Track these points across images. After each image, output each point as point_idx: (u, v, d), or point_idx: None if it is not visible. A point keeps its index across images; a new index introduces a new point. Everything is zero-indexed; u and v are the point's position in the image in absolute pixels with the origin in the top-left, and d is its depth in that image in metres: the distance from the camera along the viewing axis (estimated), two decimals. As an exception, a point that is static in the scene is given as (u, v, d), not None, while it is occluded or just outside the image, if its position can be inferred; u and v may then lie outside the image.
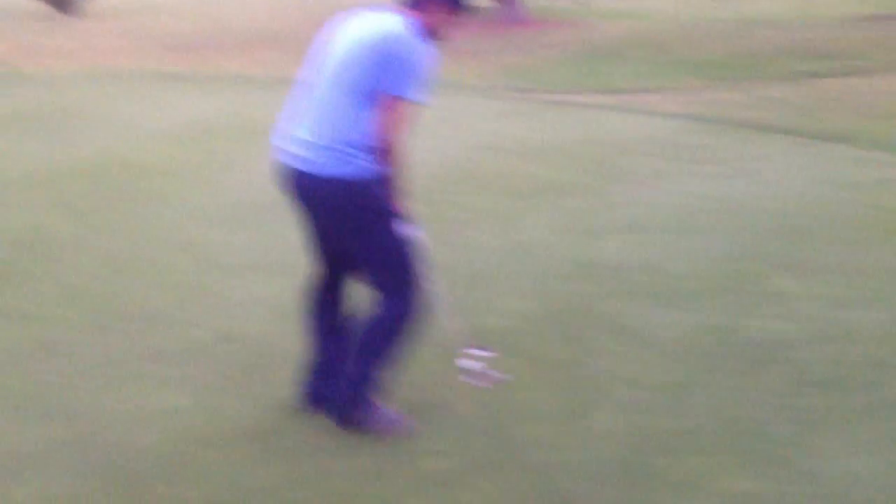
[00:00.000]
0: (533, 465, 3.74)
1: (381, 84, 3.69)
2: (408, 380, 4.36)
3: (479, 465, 3.75)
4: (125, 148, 9.21)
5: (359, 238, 3.88)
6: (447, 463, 3.77)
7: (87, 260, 6.11)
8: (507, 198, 7.38)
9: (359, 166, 3.73)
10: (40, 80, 14.54)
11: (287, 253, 6.06)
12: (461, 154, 8.78)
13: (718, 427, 3.99)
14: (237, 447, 3.91)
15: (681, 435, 3.93)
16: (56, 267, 6.00)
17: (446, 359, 4.47)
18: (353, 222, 3.84)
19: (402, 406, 4.12)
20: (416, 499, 3.58)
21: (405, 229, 3.89)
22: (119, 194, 7.61)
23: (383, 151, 3.70)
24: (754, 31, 18.27)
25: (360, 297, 4.11)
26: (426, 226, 6.48)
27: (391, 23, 3.83)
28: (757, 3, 22.29)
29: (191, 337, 4.96)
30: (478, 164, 8.46)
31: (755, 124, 10.61)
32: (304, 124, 3.86)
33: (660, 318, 5.06)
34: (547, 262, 5.92)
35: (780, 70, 14.92)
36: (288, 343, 4.84)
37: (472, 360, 4.41)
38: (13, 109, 11.56)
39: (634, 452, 3.81)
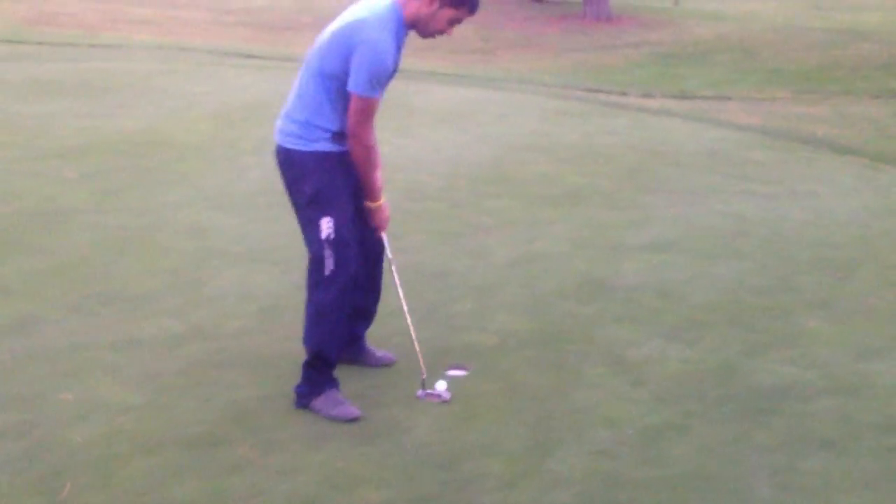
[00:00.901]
0: (476, 507, 3.40)
1: (339, 73, 3.76)
2: (371, 397, 4.11)
3: (419, 499, 3.43)
4: (169, 125, 9.10)
5: (296, 214, 4.01)
6: (386, 494, 3.45)
7: (87, 237, 5.96)
8: (535, 204, 7.00)
9: (311, 144, 3.85)
10: (114, 48, 14.65)
11: (292, 245, 5.84)
12: (500, 154, 8.44)
13: (695, 483, 3.58)
14: (172, 454, 3.66)
15: (648, 487, 3.54)
16: (54, 241, 5.86)
17: (414, 378, 4.19)
18: (292, 196, 3.98)
19: (360, 424, 3.90)
20: (341, 532, 3.28)
21: (338, 224, 3.86)
22: (145, 172, 7.47)
23: (347, 138, 3.85)
24: (851, 44, 17.45)
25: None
26: (445, 229, 6.28)
27: (369, 10, 3.78)
28: (858, 14, 21.33)
29: (165, 328, 4.75)
30: (514, 166, 8.10)
31: (829, 143, 10.04)
32: (287, 101, 3.97)
33: (661, 350, 4.65)
34: (556, 278, 5.55)
35: (871, 86, 14.18)
36: (264, 343, 4.64)
37: (443, 381, 4.19)
38: (78, 76, 11.61)
39: (591, 502, 3.44)
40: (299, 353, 4.41)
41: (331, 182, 3.89)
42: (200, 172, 7.51)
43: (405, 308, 4.22)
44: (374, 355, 4.43)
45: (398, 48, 3.82)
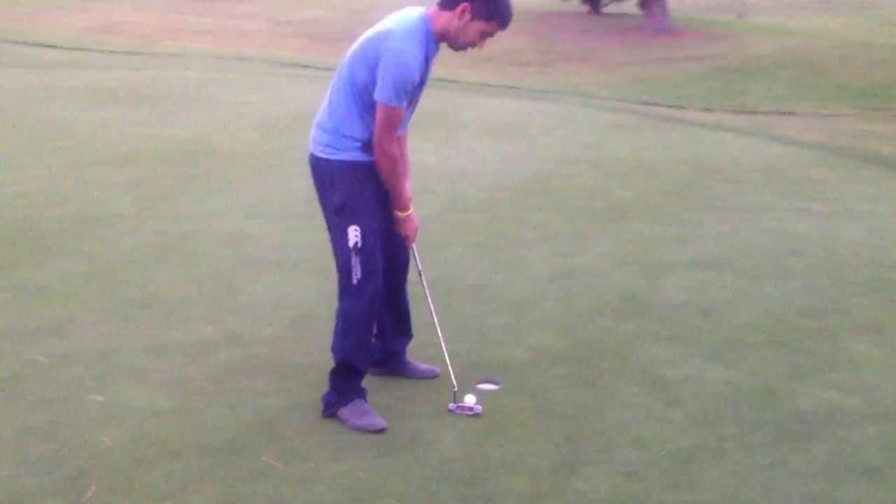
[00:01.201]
0: (496, 525, 3.31)
1: (367, 83, 3.74)
2: (397, 408, 4.05)
3: (439, 515, 3.36)
4: (217, 134, 9.18)
5: (327, 223, 3.98)
6: (405, 508, 3.38)
7: (128, 242, 6.00)
8: (578, 218, 6.90)
9: (340, 153, 3.82)
10: (171, 57, 14.85)
11: (328, 255, 5.81)
12: (546, 167, 8.35)
13: (725, 508, 3.46)
14: (195, 460, 3.63)
15: (676, 512, 3.42)
16: (97, 246, 5.90)
17: (443, 391, 4.12)
18: (322, 204, 3.97)
19: (384, 436, 3.84)
20: (358, 546, 3.21)
21: (365, 233, 3.84)
22: (189, 179, 7.52)
23: (373, 147, 3.81)
24: (920, 61, 17.00)
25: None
26: (485, 241, 6.22)
27: (398, 21, 3.77)
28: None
29: (199, 334, 4.74)
30: (560, 179, 8.00)
31: (893, 161, 9.76)
32: (319, 111, 3.95)
33: (700, 371, 4.52)
34: (595, 294, 5.44)
35: (941, 104, 13.78)
36: (295, 351, 4.60)
37: (471, 395, 4.12)
38: (133, 85, 11.80)
39: (615, 526, 3.33)
40: (329, 363, 4.36)
41: (359, 192, 3.86)
42: (243, 181, 7.54)
43: (436, 320, 4.16)
44: (417, 369, 4.38)
45: (426, 60, 3.78)
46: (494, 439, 3.85)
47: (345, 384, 3.97)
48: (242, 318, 4.94)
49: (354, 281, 3.86)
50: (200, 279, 5.45)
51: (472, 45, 3.86)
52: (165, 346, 4.59)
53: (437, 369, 4.36)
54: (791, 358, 4.70)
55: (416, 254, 4.15)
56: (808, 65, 16.48)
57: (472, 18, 3.75)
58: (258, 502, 3.38)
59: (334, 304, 5.04)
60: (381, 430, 3.87)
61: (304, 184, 7.30)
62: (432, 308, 4.17)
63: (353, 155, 3.84)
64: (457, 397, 4.06)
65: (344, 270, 3.90)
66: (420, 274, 4.16)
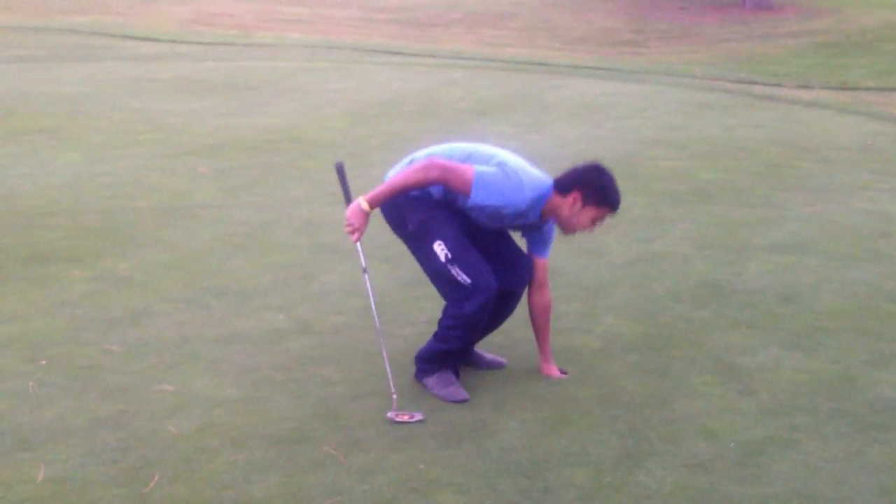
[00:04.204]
0: (556, 518, 3.26)
1: (461, 198, 3.88)
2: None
3: (497, 508, 3.32)
4: (303, 122, 9.27)
5: (413, 253, 4.15)
6: (463, 500, 3.35)
7: (210, 231, 6.11)
8: (660, 201, 6.74)
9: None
10: (265, 47, 15.05)
11: (403, 243, 5.80)
12: (630, 149, 8.17)
13: (794, 502, 3.33)
14: (258, 449, 3.67)
15: (743, 506, 3.31)
16: (179, 235, 6.02)
17: (509, 381, 4.07)
18: (402, 238, 4.16)
19: (447, 425, 3.81)
20: (413, 537, 3.20)
21: (451, 243, 3.88)
22: (273, 168, 7.62)
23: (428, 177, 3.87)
24: None
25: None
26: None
27: (534, 183, 3.88)
28: None
29: (271, 323, 4.79)
30: (644, 161, 7.82)
31: None
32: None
33: (776, 359, 4.37)
34: (672, 279, 5.31)
35: None
36: (363, 339, 4.62)
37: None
38: (225, 75, 12.00)
39: (678, 520, 3.24)
40: (398, 350, 4.39)
41: (430, 211, 3.95)
42: (325, 168, 7.57)
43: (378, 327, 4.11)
44: (483, 359, 4.36)
45: (519, 215, 3.89)
46: (557, 430, 3.79)
47: (446, 361, 4.09)
48: (314, 307, 4.98)
49: (466, 285, 3.88)
50: (276, 268, 5.52)
51: (583, 229, 3.94)
52: (237, 335, 4.66)
53: (504, 360, 4.34)
54: (874, 345, 4.51)
55: (360, 250, 4.16)
56: (913, 38, 15.78)
57: (584, 206, 3.83)
58: (316, 493, 3.39)
59: (407, 292, 5.07)
60: (462, 402, 3.96)
61: (384, 169, 7.34)
62: (376, 322, 4.11)
63: (416, 192, 3.95)
64: (395, 405, 3.92)
65: (450, 283, 3.93)
66: (364, 272, 4.18)
